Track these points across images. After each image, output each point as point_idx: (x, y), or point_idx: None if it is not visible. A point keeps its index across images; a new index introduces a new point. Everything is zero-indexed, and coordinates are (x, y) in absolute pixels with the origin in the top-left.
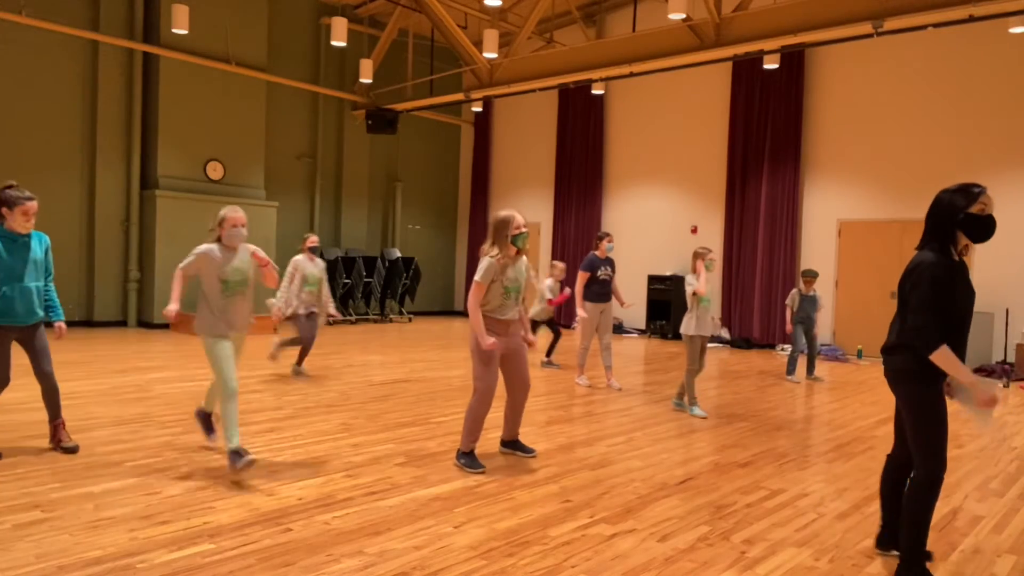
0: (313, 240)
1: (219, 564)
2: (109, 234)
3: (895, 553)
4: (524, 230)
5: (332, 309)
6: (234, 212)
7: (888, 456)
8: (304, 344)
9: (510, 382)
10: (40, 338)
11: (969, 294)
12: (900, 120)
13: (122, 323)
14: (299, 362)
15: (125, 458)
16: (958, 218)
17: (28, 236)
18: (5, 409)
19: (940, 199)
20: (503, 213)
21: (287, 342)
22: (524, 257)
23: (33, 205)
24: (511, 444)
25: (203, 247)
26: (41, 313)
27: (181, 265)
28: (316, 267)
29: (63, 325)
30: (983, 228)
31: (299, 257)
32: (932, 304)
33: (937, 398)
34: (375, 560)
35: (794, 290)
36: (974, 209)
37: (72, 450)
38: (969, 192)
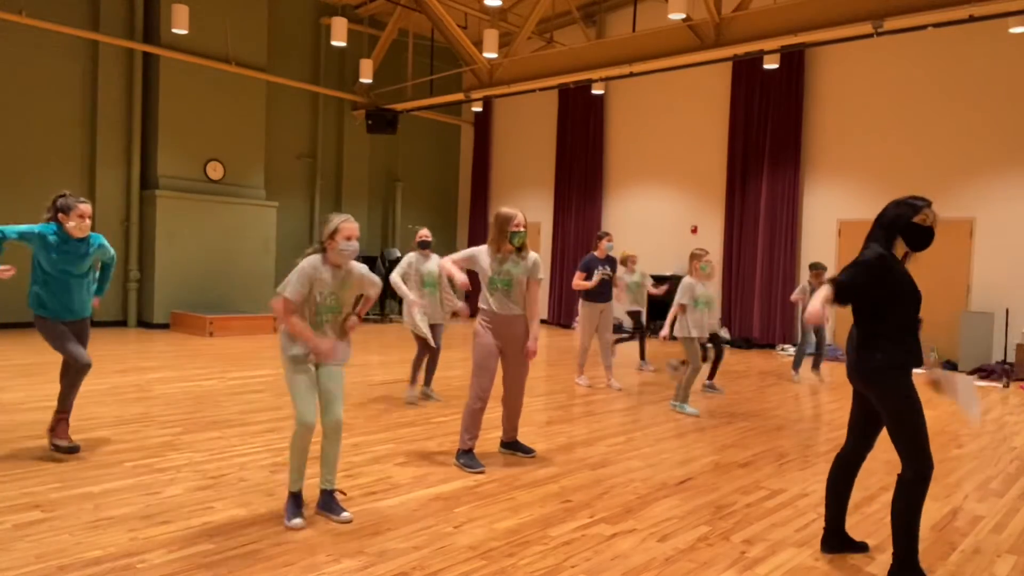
0: (424, 234)
1: (219, 564)
2: (109, 234)
3: (843, 554)
4: (522, 228)
5: (457, 302)
6: (349, 222)
7: (838, 456)
8: (429, 358)
9: (504, 383)
10: (82, 334)
11: (915, 296)
12: (900, 120)
13: (122, 323)
14: (427, 381)
15: (125, 458)
16: (901, 224)
17: (84, 241)
18: (5, 409)
19: (887, 208)
20: (504, 209)
21: (417, 366)
22: (533, 255)
23: (87, 208)
24: (510, 445)
25: (308, 262)
26: (87, 311)
27: (287, 293)
28: (433, 263)
29: (98, 301)
30: (923, 237)
31: (412, 254)
32: (853, 281)
33: (913, 389)
34: (375, 560)
35: (803, 284)
36: (917, 219)
37: (71, 450)
38: (915, 204)
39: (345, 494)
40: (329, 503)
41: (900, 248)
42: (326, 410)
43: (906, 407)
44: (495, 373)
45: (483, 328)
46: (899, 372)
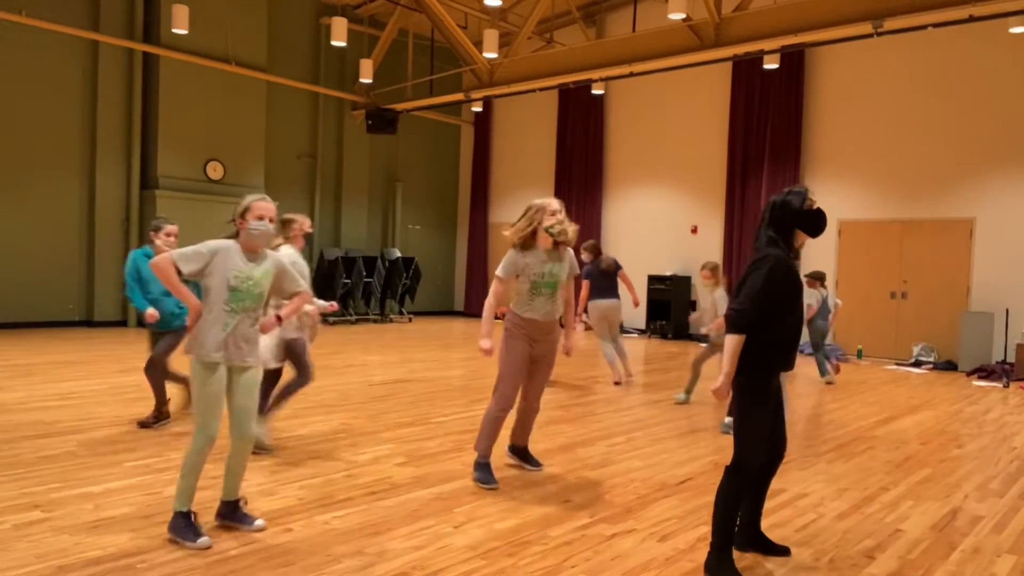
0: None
1: (219, 564)
2: (109, 234)
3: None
4: (558, 220)
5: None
6: None
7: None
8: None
9: (526, 390)
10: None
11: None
12: (900, 120)
13: (122, 323)
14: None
15: (125, 458)
16: (798, 215)
17: None
18: (5, 409)
19: (775, 202)
20: (536, 200)
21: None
22: (569, 251)
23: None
24: (521, 453)
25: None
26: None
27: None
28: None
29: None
30: (819, 221)
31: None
32: (760, 296)
33: (764, 388)
34: (375, 560)
35: (822, 290)
36: (807, 207)
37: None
38: (800, 193)
39: (247, 501)
40: (237, 513)
41: (799, 239)
42: (243, 426)
43: (752, 401)
44: (520, 382)
45: (519, 334)
46: (754, 368)
